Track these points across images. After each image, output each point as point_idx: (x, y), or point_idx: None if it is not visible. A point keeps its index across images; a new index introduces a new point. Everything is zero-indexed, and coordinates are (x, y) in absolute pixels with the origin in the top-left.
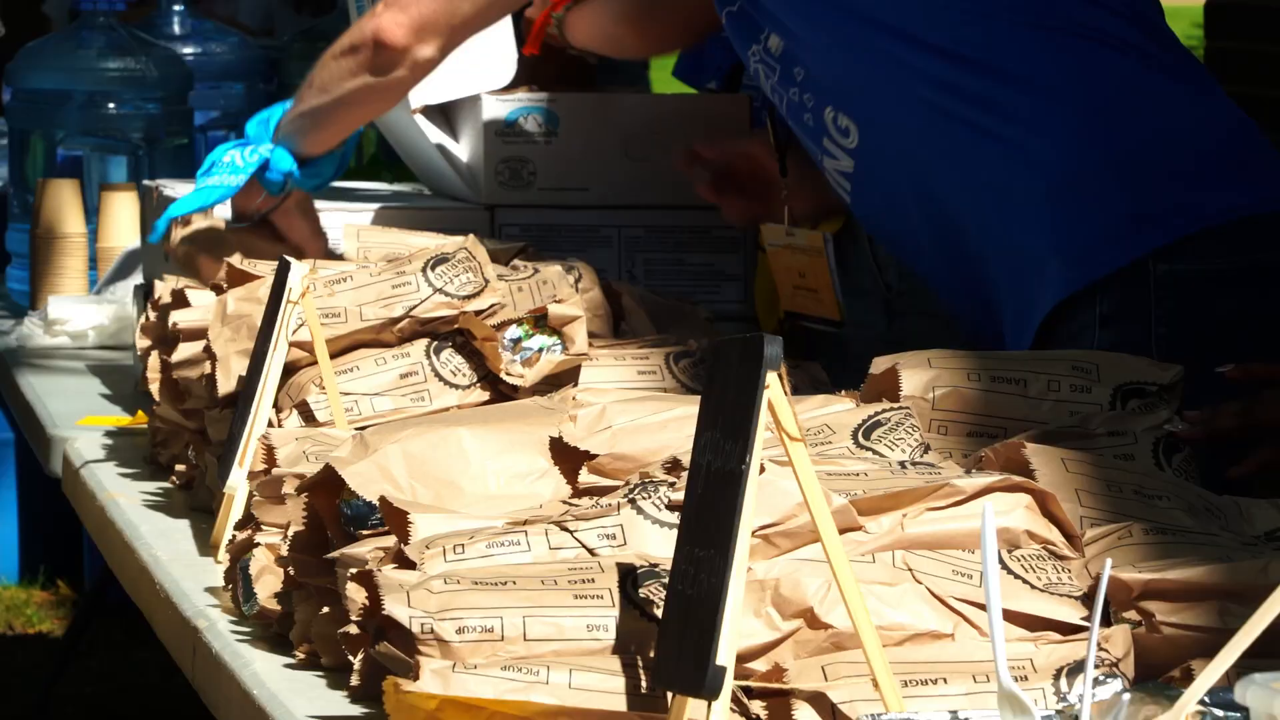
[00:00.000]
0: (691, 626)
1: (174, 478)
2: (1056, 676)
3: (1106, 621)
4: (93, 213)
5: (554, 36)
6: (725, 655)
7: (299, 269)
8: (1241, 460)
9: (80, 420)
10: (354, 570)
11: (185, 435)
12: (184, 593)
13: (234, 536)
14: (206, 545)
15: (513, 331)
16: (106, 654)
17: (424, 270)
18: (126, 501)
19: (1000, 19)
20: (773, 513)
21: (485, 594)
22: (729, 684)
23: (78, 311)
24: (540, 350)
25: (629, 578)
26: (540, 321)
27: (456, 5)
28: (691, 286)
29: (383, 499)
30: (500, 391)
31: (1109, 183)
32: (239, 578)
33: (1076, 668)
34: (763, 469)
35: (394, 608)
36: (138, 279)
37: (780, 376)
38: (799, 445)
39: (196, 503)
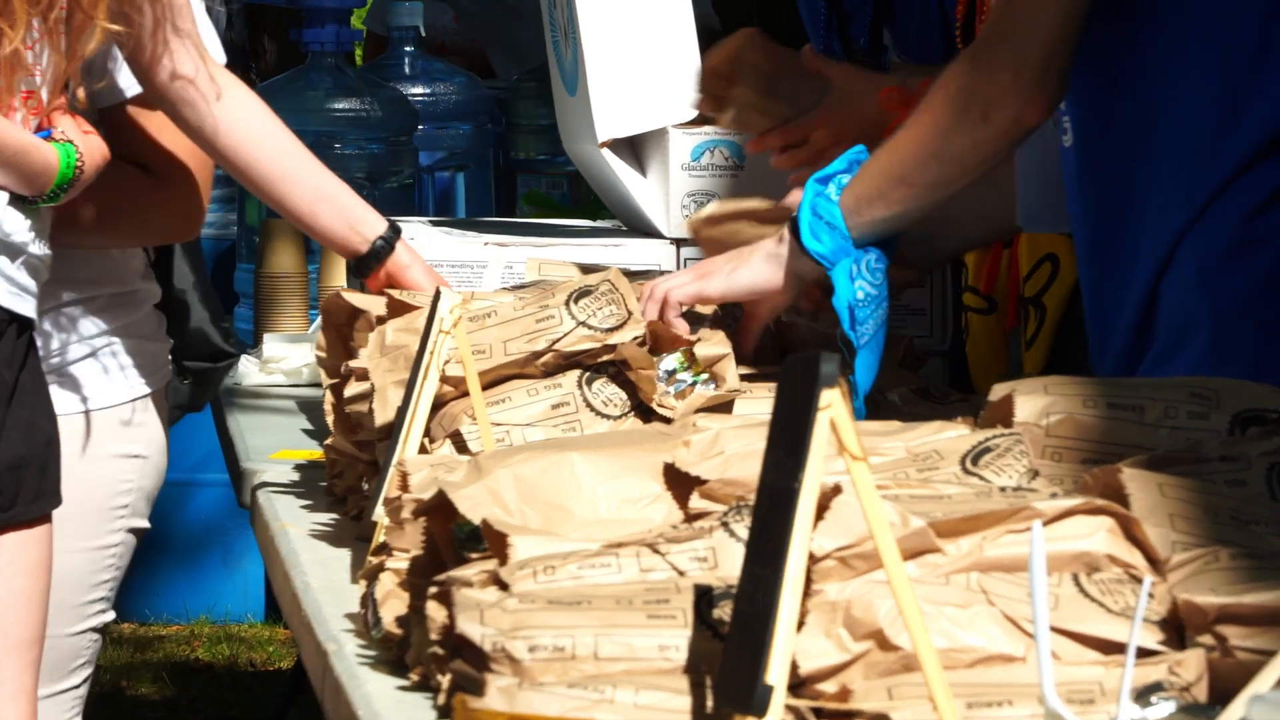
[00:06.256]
0: (746, 645)
1: (348, 508)
2: None
3: (1181, 646)
4: (316, 252)
5: None
6: (775, 674)
7: (450, 299)
8: None
9: (273, 454)
10: (433, 590)
11: (359, 466)
12: (324, 618)
13: (369, 562)
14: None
15: (668, 363)
16: None
17: (567, 303)
18: (295, 531)
19: None
20: (849, 534)
21: (559, 613)
22: (779, 703)
23: (292, 349)
24: (694, 384)
25: (704, 598)
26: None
27: None
28: None
29: (485, 522)
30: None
31: None
32: (369, 603)
33: (1147, 690)
34: (840, 490)
35: (467, 625)
36: None
37: (841, 395)
38: (860, 465)
39: (362, 532)
